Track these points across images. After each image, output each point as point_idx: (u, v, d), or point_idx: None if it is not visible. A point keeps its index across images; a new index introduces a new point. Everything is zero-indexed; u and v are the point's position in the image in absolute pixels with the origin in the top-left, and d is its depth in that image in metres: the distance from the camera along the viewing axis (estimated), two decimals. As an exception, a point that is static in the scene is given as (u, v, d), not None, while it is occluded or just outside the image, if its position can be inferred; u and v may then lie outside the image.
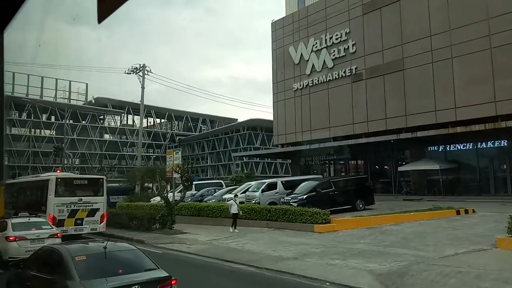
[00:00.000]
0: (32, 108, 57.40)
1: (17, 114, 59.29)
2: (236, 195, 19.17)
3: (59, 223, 15.14)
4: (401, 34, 27.81)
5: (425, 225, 15.66)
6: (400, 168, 28.38)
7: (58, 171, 25.86)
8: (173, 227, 18.12)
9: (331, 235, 14.79)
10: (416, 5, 27.25)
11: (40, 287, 6.31)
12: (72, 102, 66.35)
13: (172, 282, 5.99)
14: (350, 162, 36.09)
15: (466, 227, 14.81)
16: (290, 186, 22.32)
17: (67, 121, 55.29)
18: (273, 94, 37.98)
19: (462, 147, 26.85)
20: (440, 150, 28.25)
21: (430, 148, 28.58)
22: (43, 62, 54.31)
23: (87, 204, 16.27)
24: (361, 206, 20.74)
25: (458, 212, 17.99)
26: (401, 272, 9.01)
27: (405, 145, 29.40)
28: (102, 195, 17.03)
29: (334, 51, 32.54)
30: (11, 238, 11.34)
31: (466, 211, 18.22)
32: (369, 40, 30.06)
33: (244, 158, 56.79)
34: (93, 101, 66.38)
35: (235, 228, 16.79)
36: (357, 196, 20.89)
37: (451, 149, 27.47)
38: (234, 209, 17.08)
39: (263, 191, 22.39)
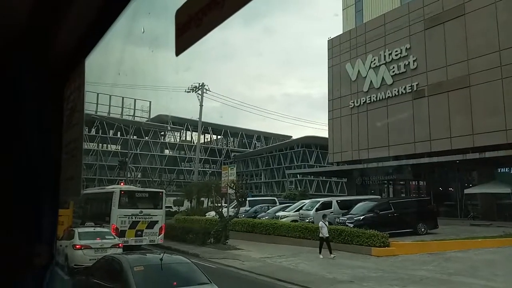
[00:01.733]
0: (100, 124, 61.60)
1: (86, 129, 63.86)
2: (325, 215, 16.45)
3: (121, 233, 15.82)
4: (466, 49, 26.38)
5: (495, 253, 14.44)
6: (467, 191, 26.52)
7: (122, 184, 27.31)
8: (227, 242, 18.26)
9: (389, 259, 14.07)
10: (483, 19, 25.76)
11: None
12: (136, 119, 70.31)
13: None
14: (410, 182, 34.36)
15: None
16: (346, 206, 21.69)
17: (131, 137, 58.49)
18: (329, 111, 37.49)
19: (537, 170, 24.61)
20: (512, 172, 26.08)
21: (500, 170, 26.45)
22: (111, 82, 58.35)
23: (147, 216, 16.92)
24: (423, 230, 19.55)
25: (534, 241, 16.38)
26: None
27: (472, 166, 27.49)
28: (161, 208, 17.68)
29: (393, 67, 31.60)
30: (78, 246, 12.04)
31: (544, 240, 16.54)
32: (431, 56, 28.84)
33: (298, 175, 56.23)
34: (169, 119, 65.67)
35: (330, 253, 14.66)
36: (418, 219, 19.72)
37: (525, 171, 25.26)
38: (325, 232, 14.93)
39: (317, 210, 21.95)
